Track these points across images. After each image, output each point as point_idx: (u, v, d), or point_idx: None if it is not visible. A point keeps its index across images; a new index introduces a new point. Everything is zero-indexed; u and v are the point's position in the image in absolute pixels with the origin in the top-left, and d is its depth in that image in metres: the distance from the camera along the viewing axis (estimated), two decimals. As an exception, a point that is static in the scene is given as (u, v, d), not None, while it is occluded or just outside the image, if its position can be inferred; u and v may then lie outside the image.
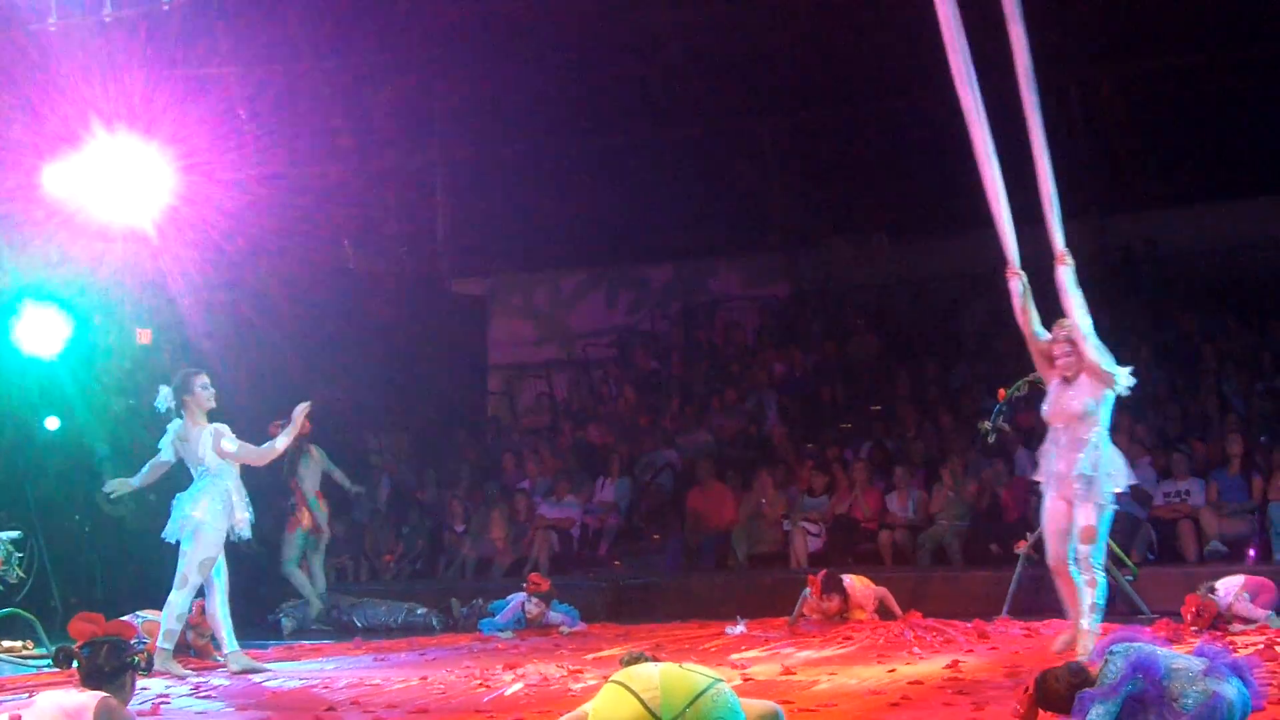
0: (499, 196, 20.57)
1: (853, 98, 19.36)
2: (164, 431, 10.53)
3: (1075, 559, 8.98)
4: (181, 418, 10.30)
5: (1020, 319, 9.36)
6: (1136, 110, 18.58)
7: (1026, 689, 5.88)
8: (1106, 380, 8.99)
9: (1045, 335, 9.33)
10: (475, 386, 20.77)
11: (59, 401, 14.24)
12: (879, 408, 16.87)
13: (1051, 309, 9.39)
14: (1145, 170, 18.71)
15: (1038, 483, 9.51)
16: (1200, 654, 5.82)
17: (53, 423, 14.40)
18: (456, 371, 19.95)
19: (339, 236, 19.57)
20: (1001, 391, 11.64)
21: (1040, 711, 5.88)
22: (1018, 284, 9.38)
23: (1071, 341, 9.09)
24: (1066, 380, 9.15)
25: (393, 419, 18.49)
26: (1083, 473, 8.96)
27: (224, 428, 10.30)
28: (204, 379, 10.36)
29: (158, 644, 9.98)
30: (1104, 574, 9.11)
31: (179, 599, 10.04)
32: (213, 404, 10.33)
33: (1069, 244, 9.35)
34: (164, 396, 10.30)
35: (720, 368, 19.13)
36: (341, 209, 19.43)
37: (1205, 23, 17.40)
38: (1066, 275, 9.11)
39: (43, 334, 13.52)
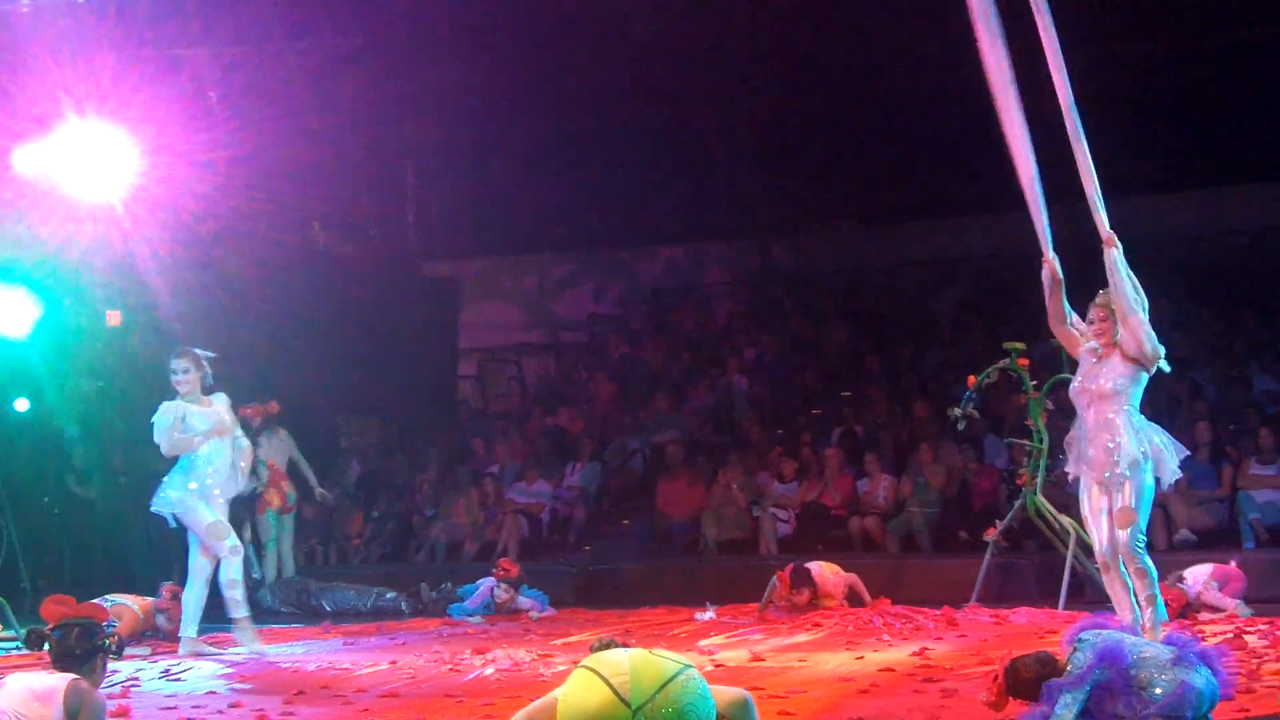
0: (470, 180, 20.51)
1: (825, 84, 19.35)
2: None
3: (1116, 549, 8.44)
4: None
5: (1050, 305, 8.97)
6: (1107, 97, 18.61)
7: (996, 677, 5.90)
8: (1146, 360, 8.64)
9: (1073, 318, 9.01)
10: (446, 370, 20.73)
11: (29, 383, 14.19)
12: (850, 394, 16.90)
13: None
14: (1116, 158, 18.71)
15: (1066, 474, 9.05)
16: (1169, 643, 5.84)
17: (22, 404, 14.35)
18: (427, 355, 19.91)
19: (309, 219, 19.50)
20: (971, 378, 11.68)
21: (1009, 699, 5.91)
22: (1049, 272, 8.99)
23: (1108, 309, 8.80)
24: (1098, 356, 8.79)
25: (363, 402, 18.45)
26: (1127, 458, 8.44)
27: (171, 404, 10.28)
28: (177, 363, 10.34)
29: (233, 615, 10.19)
30: (1150, 562, 8.47)
31: (226, 569, 10.16)
32: (181, 390, 10.29)
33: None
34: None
35: (691, 353, 19.15)
36: (312, 191, 19.34)
37: (1176, 10, 17.44)
38: (1115, 257, 8.85)
39: (12, 315, 13.45)
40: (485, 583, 12.51)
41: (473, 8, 18.53)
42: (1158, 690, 5.51)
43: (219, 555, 10.16)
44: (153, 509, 10.29)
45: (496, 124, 20.29)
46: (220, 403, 10.38)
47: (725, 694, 5.40)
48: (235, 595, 10.17)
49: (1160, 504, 12.93)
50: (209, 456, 10.25)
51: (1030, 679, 5.77)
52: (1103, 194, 9.16)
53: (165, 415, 10.18)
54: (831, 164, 19.84)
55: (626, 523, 15.83)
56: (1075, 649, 5.75)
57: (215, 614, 10.63)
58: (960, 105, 19.33)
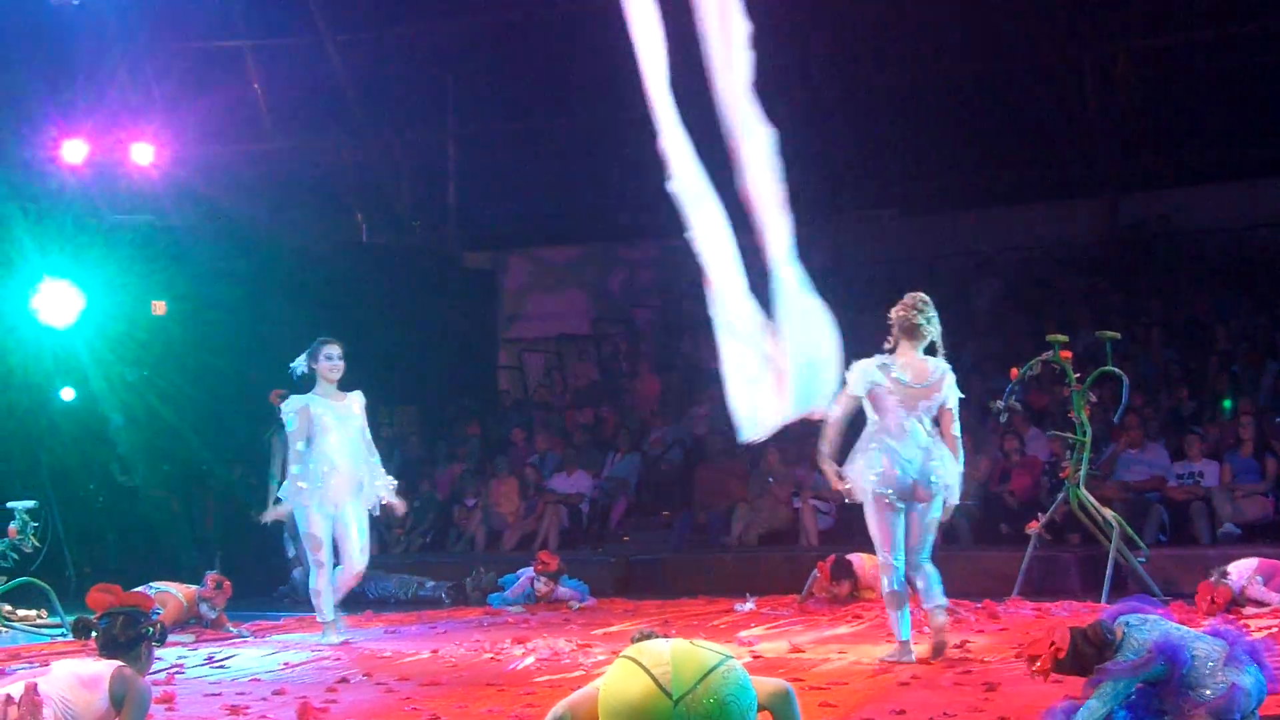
0: (511, 170, 20.56)
1: (863, 72, 19.32)
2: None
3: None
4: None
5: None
6: (1151, 87, 18.53)
7: (1053, 643, 5.70)
8: None
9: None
10: (486, 360, 20.79)
11: (74, 371, 14.32)
12: (889, 386, 16.81)
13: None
14: (1159, 148, 18.67)
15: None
16: (1215, 635, 5.73)
17: (68, 393, 14.47)
18: (467, 345, 19.98)
19: (351, 209, 19.62)
20: (1014, 371, 11.63)
21: (1052, 673, 5.75)
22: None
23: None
24: None
25: (403, 392, 18.52)
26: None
27: (296, 399, 10.01)
28: (331, 349, 10.05)
29: (319, 619, 10.02)
30: (890, 581, 8.21)
31: (311, 576, 10.01)
32: (333, 377, 10.00)
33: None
34: (299, 362, 10.09)
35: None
36: (354, 181, 19.46)
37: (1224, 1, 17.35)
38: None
39: (58, 304, 13.59)
40: (526, 573, 12.54)
41: (513, 4, 18.57)
42: (1207, 691, 5.42)
43: (308, 560, 10.03)
44: (283, 498, 10.06)
45: (534, 116, 20.34)
46: (356, 400, 10.09)
47: (766, 685, 5.38)
48: (319, 603, 9.96)
49: (1204, 498, 12.88)
50: (331, 459, 9.88)
51: (1091, 655, 5.60)
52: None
53: (288, 413, 9.96)
54: (870, 154, 19.79)
55: (666, 514, 15.82)
56: (1127, 634, 5.60)
57: (264, 601, 10.71)
58: (1001, 95, 19.34)
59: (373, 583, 13.79)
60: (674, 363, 19.11)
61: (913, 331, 8.54)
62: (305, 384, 10.14)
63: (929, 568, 8.34)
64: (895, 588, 8.18)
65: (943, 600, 8.30)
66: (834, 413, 8.16)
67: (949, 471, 8.33)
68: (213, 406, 15.10)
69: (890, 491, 8.16)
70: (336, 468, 9.89)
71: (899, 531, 8.26)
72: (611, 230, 21.21)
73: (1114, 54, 18.63)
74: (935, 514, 8.34)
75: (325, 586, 9.99)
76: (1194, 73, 18.15)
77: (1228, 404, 13.87)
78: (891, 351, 8.56)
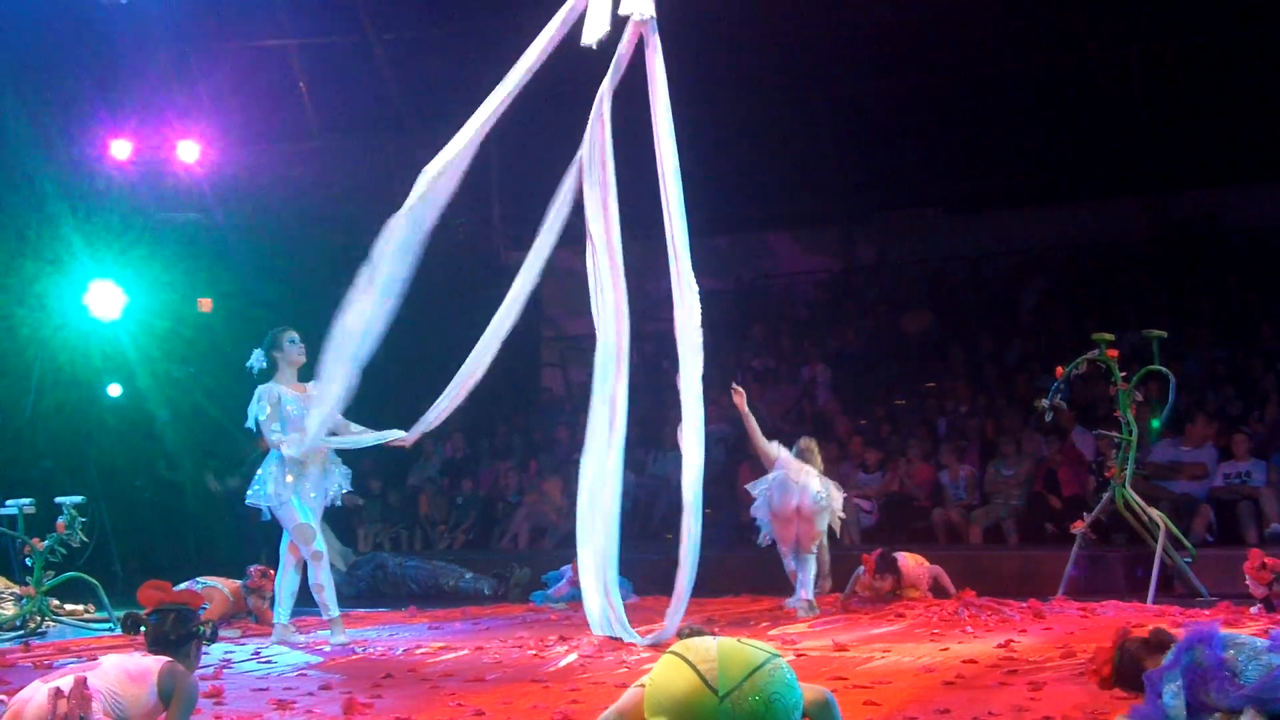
0: (552, 168, 20.53)
1: (910, 69, 19.26)
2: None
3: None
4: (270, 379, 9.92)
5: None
6: (1198, 85, 18.40)
7: (1108, 660, 5.76)
8: None
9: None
10: (529, 358, 20.80)
11: (121, 368, 14.44)
12: (933, 384, 16.79)
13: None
14: (1207, 146, 18.52)
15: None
16: (1260, 635, 5.73)
17: (115, 389, 14.60)
18: (510, 342, 19.93)
19: (395, 208, 19.64)
20: (1060, 369, 11.58)
21: (1112, 685, 5.76)
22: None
23: None
24: None
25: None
26: None
27: (264, 388, 9.89)
28: (294, 334, 10.05)
29: (324, 616, 9.89)
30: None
31: (311, 572, 9.83)
32: (302, 359, 9.97)
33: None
34: (255, 358, 9.98)
35: (773, 341, 19.09)
36: (398, 181, 19.48)
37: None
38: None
39: (106, 300, 13.72)
40: (569, 570, 12.55)
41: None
42: (1250, 674, 5.42)
43: (304, 557, 9.88)
44: (248, 501, 10.00)
45: (574, 112, 20.31)
46: (308, 389, 9.91)
47: (807, 692, 5.36)
48: (323, 598, 9.85)
49: (1251, 498, 12.79)
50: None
51: (1145, 665, 5.62)
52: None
53: (260, 401, 9.81)
54: (916, 151, 19.74)
55: (709, 511, 15.76)
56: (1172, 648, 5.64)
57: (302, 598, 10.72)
58: (1048, 93, 19.22)
59: (410, 571, 13.84)
60: (716, 359, 19.06)
61: (807, 457, 11.78)
62: (263, 379, 10.01)
63: (806, 557, 11.40)
64: (793, 567, 11.48)
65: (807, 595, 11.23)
66: (768, 445, 11.97)
67: (831, 496, 11.39)
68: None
69: (775, 510, 11.51)
70: (304, 460, 9.80)
71: (788, 536, 11.45)
72: (652, 227, 21.14)
73: (1161, 51, 18.50)
74: (821, 526, 11.31)
75: (327, 579, 9.89)
76: (1241, 70, 18.01)
77: (1155, 424, 13.59)
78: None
